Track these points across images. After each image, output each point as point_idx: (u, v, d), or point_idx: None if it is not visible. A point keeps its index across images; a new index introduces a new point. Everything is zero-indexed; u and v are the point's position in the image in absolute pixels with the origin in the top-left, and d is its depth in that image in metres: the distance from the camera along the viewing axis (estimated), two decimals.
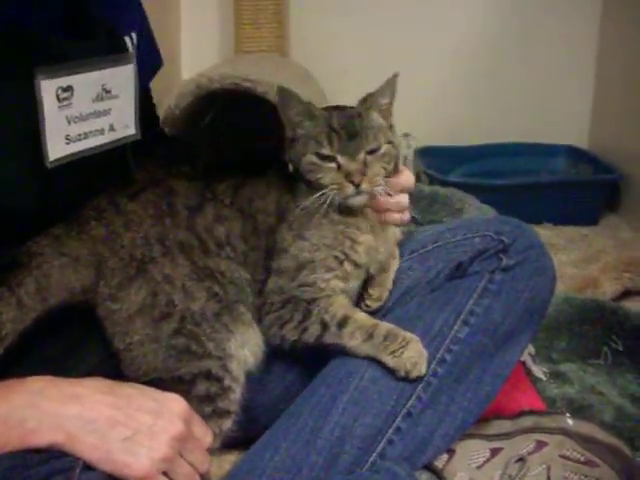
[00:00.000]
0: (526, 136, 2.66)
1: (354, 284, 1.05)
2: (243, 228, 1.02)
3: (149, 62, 1.13)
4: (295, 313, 1.00)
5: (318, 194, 0.97)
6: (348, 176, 0.96)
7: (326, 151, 0.98)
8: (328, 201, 0.97)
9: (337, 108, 1.04)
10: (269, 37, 2.61)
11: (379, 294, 1.08)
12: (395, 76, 1.03)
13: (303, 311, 1.00)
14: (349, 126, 0.98)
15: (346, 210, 1.01)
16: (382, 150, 1.00)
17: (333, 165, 0.98)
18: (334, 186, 0.97)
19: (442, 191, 1.83)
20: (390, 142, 1.02)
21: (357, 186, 0.96)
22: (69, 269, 0.94)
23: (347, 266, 1.01)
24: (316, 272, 1.00)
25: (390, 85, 1.03)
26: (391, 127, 1.05)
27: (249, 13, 2.60)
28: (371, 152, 0.98)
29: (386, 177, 1.00)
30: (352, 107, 1.03)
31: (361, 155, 0.97)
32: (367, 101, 1.02)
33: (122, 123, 0.95)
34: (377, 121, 1.02)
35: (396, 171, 1.05)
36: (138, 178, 1.02)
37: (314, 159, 0.98)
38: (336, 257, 1.01)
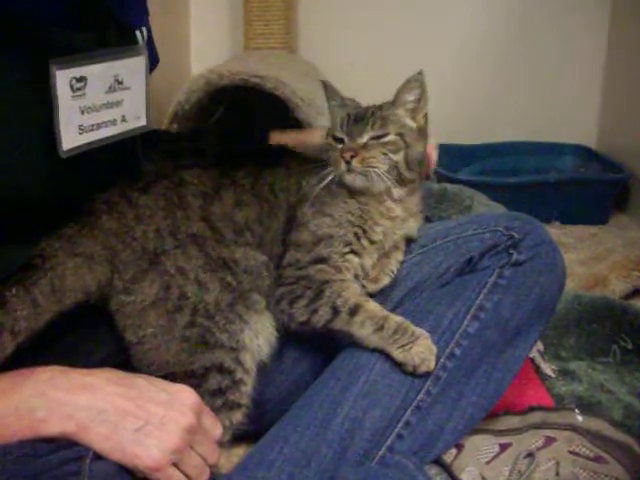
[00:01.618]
0: (534, 135, 2.66)
1: (367, 262, 1.07)
2: (261, 211, 1.05)
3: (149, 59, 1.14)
4: (307, 290, 1.01)
5: (324, 172, 1.04)
6: (343, 152, 1.03)
7: (337, 133, 1.08)
8: (329, 178, 1.04)
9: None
10: (278, 34, 2.62)
11: (376, 275, 1.08)
12: (419, 74, 1.06)
13: (315, 290, 1.01)
14: (360, 114, 1.07)
15: (368, 194, 1.06)
16: (387, 138, 1.05)
17: (340, 144, 1.07)
18: (333, 162, 1.05)
19: (451, 188, 1.82)
20: (400, 134, 1.05)
21: (348, 163, 1.02)
22: (84, 269, 0.93)
23: (364, 242, 1.06)
24: (332, 246, 1.04)
25: (414, 82, 1.07)
26: (420, 130, 1.09)
27: (258, 10, 2.61)
28: (376, 138, 1.05)
29: (399, 171, 1.05)
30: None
31: (363, 138, 1.05)
32: (393, 98, 1.09)
33: (133, 114, 0.95)
34: (396, 115, 1.08)
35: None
36: (148, 171, 1.03)
37: (330, 140, 1.09)
38: (355, 233, 1.05)
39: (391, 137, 1.05)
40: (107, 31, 0.94)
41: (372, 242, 1.07)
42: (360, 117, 1.06)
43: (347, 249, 1.05)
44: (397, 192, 1.07)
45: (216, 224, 1.01)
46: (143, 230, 0.98)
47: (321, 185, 1.04)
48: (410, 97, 1.08)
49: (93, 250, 0.95)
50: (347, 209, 1.06)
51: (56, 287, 0.90)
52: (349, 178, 1.04)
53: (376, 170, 1.03)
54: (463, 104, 2.67)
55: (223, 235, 1.01)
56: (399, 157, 1.05)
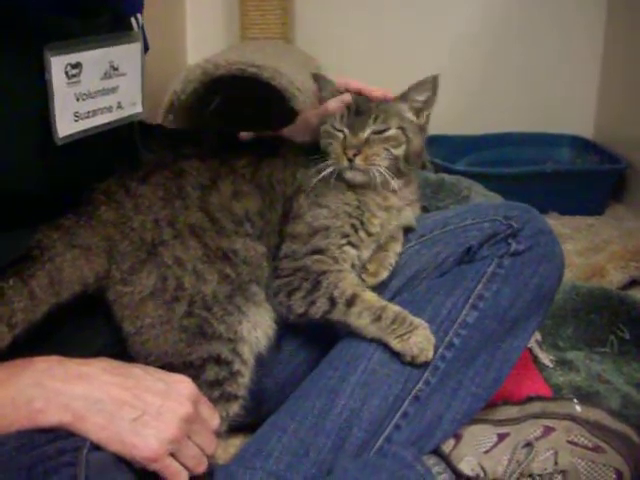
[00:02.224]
0: (531, 126, 2.65)
1: (364, 254, 1.06)
2: (262, 204, 1.04)
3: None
4: (304, 282, 1.00)
5: (323, 163, 1.03)
6: (345, 149, 1.02)
7: (337, 125, 1.06)
8: (328, 171, 1.03)
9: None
10: (274, 24, 2.60)
11: (375, 269, 1.07)
12: (435, 77, 1.06)
13: (312, 282, 1.00)
14: (362, 107, 1.06)
15: (366, 187, 1.06)
16: (389, 133, 1.04)
17: (341, 135, 1.06)
18: (334, 156, 1.04)
19: (448, 178, 1.81)
20: (401, 128, 1.05)
21: (350, 160, 1.02)
22: (81, 260, 0.92)
23: (361, 234, 1.05)
24: (329, 237, 1.03)
25: (427, 84, 1.07)
26: (421, 128, 1.09)
27: (254, 0, 2.59)
28: (377, 133, 1.04)
29: (398, 165, 1.05)
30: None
31: (365, 133, 1.03)
32: (402, 93, 1.07)
33: (129, 101, 0.94)
34: (398, 110, 1.07)
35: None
36: (147, 161, 1.02)
37: (329, 128, 1.08)
38: (353, 225, 1.04)
39: (392, 131, 1.04)
40: (102, 18, 0.93)
41: (369, 234, 1.06)
42: (361, 110, 1.05)
43: (344, 241, 1.04)
44: (394, 184, 1.05)
45: (215, 215, 1.00)
46: (141, 220, 0.97)
47: (319, 177, 1.03)
48: (420, 97, 1.07)
49: (91, 241, 0.94)
50: (344, 200, 1.05)
51: (54, 279, 0.89)
52: (350, 175, 1.04)
53: (378, 168, 1.02)
54: (461, 95, 2.66)
55: (222, 226, 1.00)
56: (400, 151, 1.05)
